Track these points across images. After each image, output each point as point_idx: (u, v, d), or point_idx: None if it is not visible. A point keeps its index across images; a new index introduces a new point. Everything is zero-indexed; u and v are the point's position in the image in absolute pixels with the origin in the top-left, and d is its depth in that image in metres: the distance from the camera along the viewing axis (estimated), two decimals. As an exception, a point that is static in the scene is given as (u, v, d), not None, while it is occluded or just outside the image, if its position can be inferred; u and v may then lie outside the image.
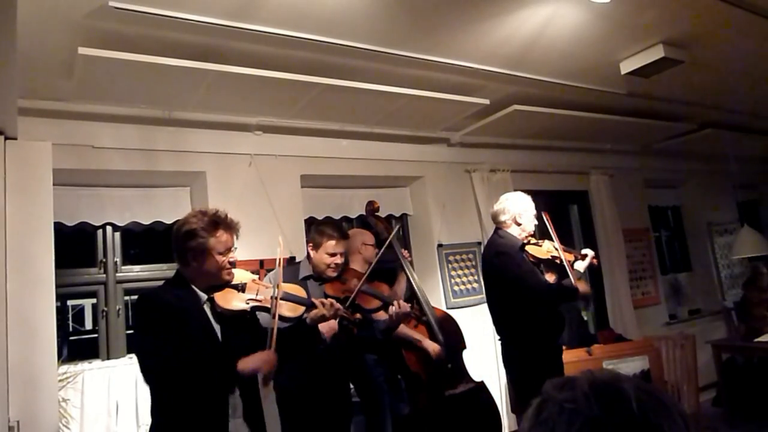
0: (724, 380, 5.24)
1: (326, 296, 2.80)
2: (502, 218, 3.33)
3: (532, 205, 3.34)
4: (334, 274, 3.07)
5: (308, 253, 3.13)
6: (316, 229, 3.14)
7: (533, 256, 3.28)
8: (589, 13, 3.13)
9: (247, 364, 2.11)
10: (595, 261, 3.39)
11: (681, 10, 3.22)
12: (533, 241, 3.37)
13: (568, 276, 3.24)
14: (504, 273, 3.20)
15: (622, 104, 4.74)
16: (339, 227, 3.18)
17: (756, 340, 5.03)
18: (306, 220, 4.09)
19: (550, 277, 3.53)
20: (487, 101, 4.11)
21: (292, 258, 3.69)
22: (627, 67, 3.82)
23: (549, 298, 3.21)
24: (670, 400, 0.74)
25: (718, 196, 7.01)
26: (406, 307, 3.07)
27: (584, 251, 3.36)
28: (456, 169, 4.89)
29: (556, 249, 3.29)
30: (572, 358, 3.75)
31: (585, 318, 5.44)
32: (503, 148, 5.14)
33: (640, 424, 0.69)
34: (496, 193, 4.76)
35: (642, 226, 6.17)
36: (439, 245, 4.65)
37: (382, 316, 3.08)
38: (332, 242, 3.03)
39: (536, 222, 3.35)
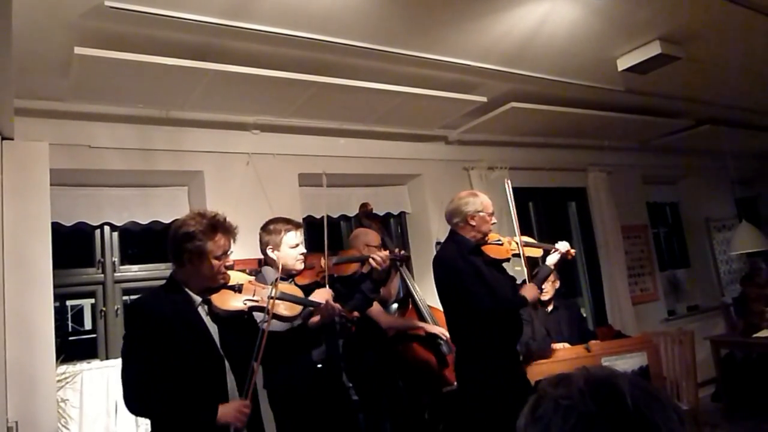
0: (723, 376, 5.26)
1: (299, 287, 2.73)
2: (455, 220, 3.13)
3: (489, 203, 3.11)
4: (303, 266, 2.86)
5: (268, 259, 2.90)
6: (265, 230, 2.89)
7: (489, 257, 3.09)
8: (585, 10, 3.13)
9: (225, 416, 2.07)
10: (570, 253, 3.16)
11: (677, 7, 3.22)
12: (494, 239, 3.15)
13: (540, 269, 3.13)
14: (448, 288, 3.03)
15: (619, 101, 4.74)
16: (285, 218, 2.96)
17: (755, 335, 5.05)
18: (304, 219, 4.09)
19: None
20: (484, 99, 4.11)
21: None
22: (624, 63, 3.82)
23: (492, 315, 2.94)
24: (665, 396, 0.74)
25: (716, 192, 7.02)
26: (385, 255, 2.93)
27: (557, 245, 3.17)
28: (454, 166, 4.89)
29: (518, 244, 3.12)
30: (570, 355, 3.74)
31: (584, 315, 5.44)
32: (501, 146, 5.14)
33: (635, 420, 0.70)
34: (494, 191, 4.79)
35: (640, 222, 6.17)
36: (438, 243, 4.64)
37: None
38: (291, 233, 2.84)
39: (494, 221, 3.12)
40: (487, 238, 3.11)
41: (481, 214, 3.06)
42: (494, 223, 3.12)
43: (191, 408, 2.07)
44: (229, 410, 2.09)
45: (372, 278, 2.94)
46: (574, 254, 3.23)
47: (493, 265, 3.09)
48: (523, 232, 3.31)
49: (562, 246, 3.15)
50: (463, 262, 3.00)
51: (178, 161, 3.68)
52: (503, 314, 2.96)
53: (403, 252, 3.16)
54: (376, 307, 3.34)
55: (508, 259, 3.15)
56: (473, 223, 3.06)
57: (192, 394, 2.07)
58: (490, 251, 3.10)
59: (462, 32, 3.23)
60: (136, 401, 2.06)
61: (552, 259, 3.13)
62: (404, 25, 3.08)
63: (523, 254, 3.09)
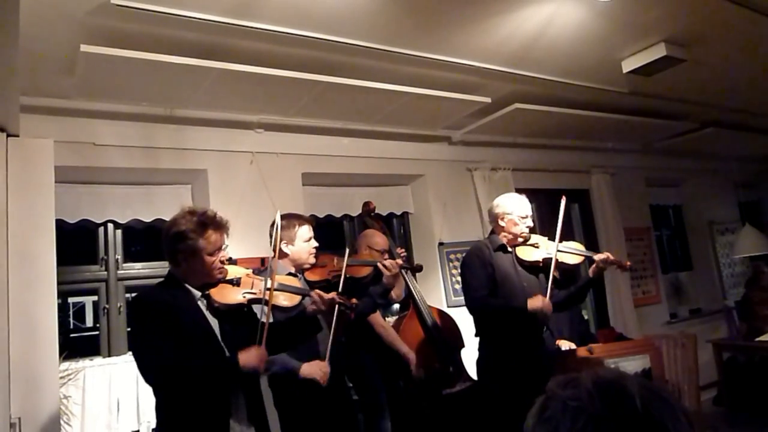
0: (725, 379, 5.25)
1: (309, 284, 2.79)
2: (489, 220, 3.35)
3: (521, 207, 3.21)
4: (315, 260, 2.90)
5: (281, 253, 2.84)
6: (279, 225, 2.96)
7: (520, 259, 3.19)
8: (590, 12, 3.12)
9: (247, 360, 2.14)
10: (603, 257, 3.10)
11: (683, 9, 3.22)
12: (531, 241, 3.23)
13: (579, 279, 3.18)
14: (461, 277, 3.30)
15: (623, 103, 4.74)
16: (296, 213, 2.99)
17: (757, 339, 5.03)
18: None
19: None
20: (488, 99, 4.11)
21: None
22: (629, 65, 3.82)
23: (482, 313, 3.16)
24: (673, 398, 0.74)
25: (719, 195, 7.01)
26: (395, 263, 3.00)
27: (596, 255, 3.16)
28: (457, 167, 4.89)
29: (560, 250, 3.15)
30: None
31: (585, 317, 5.44)
32: (504, 147, 5.14)
33: (644, 422, 0.70)
34: (498, 192, 4.77)
35: (643, 224, 6.16)
36: (440, 244, 4.65)
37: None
38: (305, 227, 2.86)
39: (529, 224, 3.19)
40: (519, 240, 3.20)
41: (509, 216, 3.20)
42: (529, 226, 3.20)
43: (214, 361, 2.12)
44: (250, 355, 2.14)
45: (382, 283, 2.98)
46: (612, 260, 3.14)
47: (528, 268, 3.18)
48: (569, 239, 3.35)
49: (597, 256, 3.15)
50: (476, 257, 3.19)
51: (181, 159, 3.69)
52: (484, 310, 3.13)
53: (416, 264, 3.19)
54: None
55: (538, 262, 3.16)
56: (502, 224, 3.22)
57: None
58: (521, 253, 3.20)
59: (467, 33, 3.22)
60: (158, 371, 2.07)
61: (591, 268, 3.16)
62: (409, 26, 3.08)
63: (555, 260, 3.10)
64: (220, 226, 2.26)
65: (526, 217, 3.20)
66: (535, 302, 3.00)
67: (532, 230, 3.28)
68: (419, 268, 3.39)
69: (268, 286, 2.32)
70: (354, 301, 2.62)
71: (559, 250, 3.14)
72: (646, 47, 3.66)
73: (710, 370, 5.27)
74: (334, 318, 2.53)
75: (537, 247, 3.21)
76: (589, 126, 5.06)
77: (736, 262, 6.87)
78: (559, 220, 3.19)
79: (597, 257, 3.13)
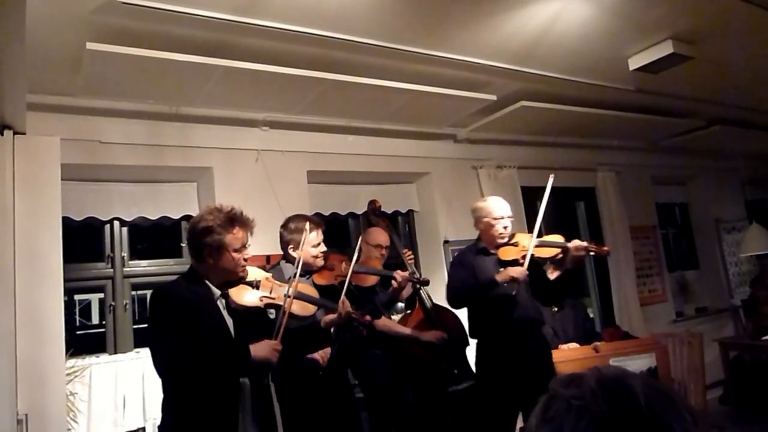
0: (731, 378, 5.23)
1: (316, 286, 2.80)
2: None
3: (494, 209, 3.25)
4: (323, 263, 2.93)
5: (287, 255, 2.94)
6: (286, 228, 2.94)
7: (500, 260, 3.22)
8: (597, 9, 3.11)
9: (258, 352, 2.16)
10: (576, 245, 3.10)
11: (690, 6, 3.20)
12: (513, 240, 3.25)
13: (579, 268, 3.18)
14: None
15: (629, 100, 4.72)
16: (307, 216, 3.02)
17: (763, 338, 5.01)
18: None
19: (552, 273, 3.45)
20: (494, 97, 4.10)
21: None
22: (635, 63, 3.80)
23: (462, 299, 3.28)
24: (678, 397, 0.73)
25: (726, 193, 6.97)
26: (405, 275, 3.04)
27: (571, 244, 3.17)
28: (462, 165, 4.88)
29: (536, 245, 3.16)
30: (579, 355, 3.74)
31: (591, 315, 5.42)
32: (510, 145, 5.12)
33: (648, 421, 0.69)
34: (503, 190, 4.79)
35: (649, 223, 6.14)
36: (446, 242, 4.64)
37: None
38: (313, 233, 2.86)
39: (505, 224, 3.22)
40: (499, 241, 3.24)
41: (485, 219, 3.27)
42: (506, 227, 3.23)
43: (226, 354, 2.14)
44: (262, 346, 2.17)
45: (387, 293, 3.03)
46: (587, 246, 3.16)
47: (507, 266, 3.18)
48: (550, 232, 3.35)
49: (571, 244, 3.16)
50: (457, 261, 3.38)
51: (187, 157, 3.70)
52: (467, 297, 3.24)
53: (424, 277, 3.24)
54: None
55: (516, 261, 3.17)
56: (480, 227, 3.32)
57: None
58: (501, 253, 3.24)
59: (472, 30, 3.22)
60: (168, 360, 2.08)
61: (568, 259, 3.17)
62: (414, 23, 3.08)
63: (531, 256, 3.12)
64: (246, 224, 2.30)
65: (502, 218, 3.24)
66: (502, 274, 3.08)
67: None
68: (426, 282, 3.40)
69: (288, 292, 2.35)
70: (368, 318, 2.64)
71: (535, 246, 3.16)
72: (653, 44, 3.64)
73: (716, 369, 5.25)
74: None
75: (516, 246, 3.24)
76: (595, 124, 5.04)
77: (743, 260, 6.83)
78: (540, 209, 3.24)
79: (570, 245, 3.13)
